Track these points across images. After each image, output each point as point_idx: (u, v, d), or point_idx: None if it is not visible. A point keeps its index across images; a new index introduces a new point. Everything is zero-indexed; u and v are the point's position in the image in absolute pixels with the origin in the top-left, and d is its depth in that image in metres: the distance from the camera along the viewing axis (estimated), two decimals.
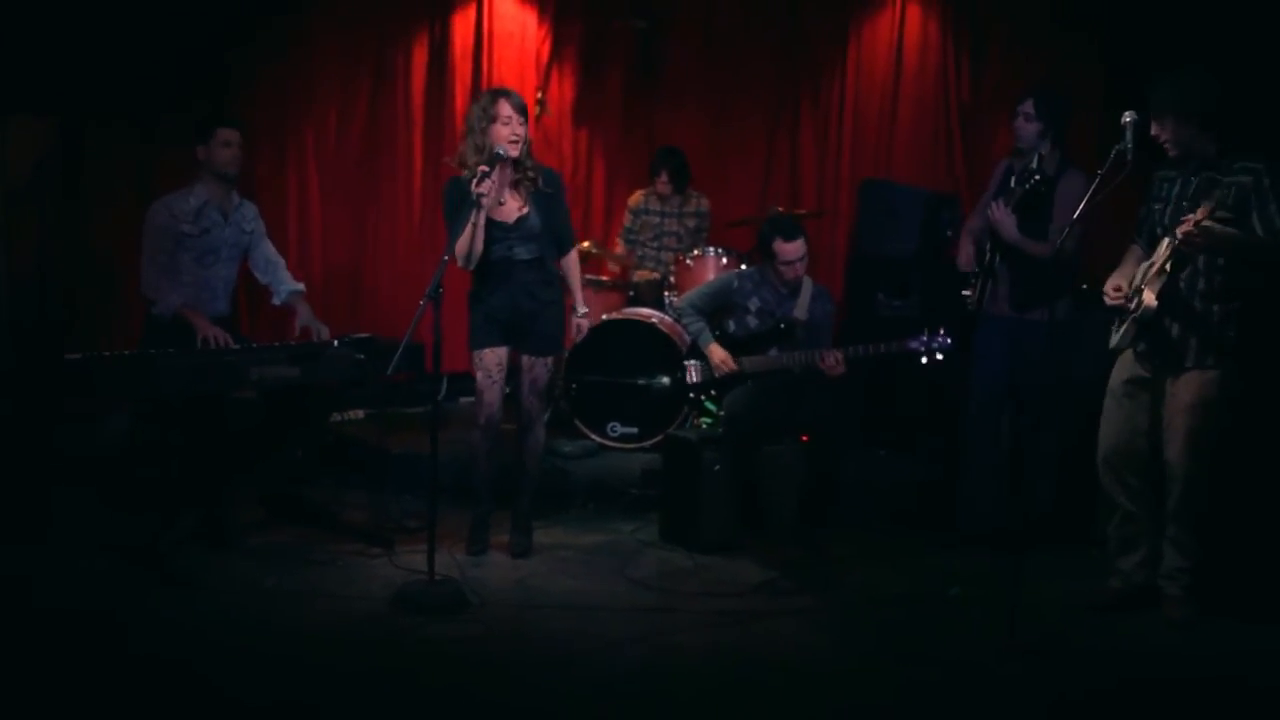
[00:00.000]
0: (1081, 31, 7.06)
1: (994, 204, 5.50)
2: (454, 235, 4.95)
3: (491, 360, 5.25)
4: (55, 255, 6.54)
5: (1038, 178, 5.33)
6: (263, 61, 7.18)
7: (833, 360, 5.43)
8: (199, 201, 5.50)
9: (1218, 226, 4.35)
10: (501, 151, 4.95)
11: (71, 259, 6.62)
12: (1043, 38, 7.27)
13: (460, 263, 5.04)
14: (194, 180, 5.54)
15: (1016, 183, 5.44)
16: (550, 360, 5.46)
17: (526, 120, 5.09)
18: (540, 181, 5.18)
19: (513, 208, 5.13)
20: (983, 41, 7.55)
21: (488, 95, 5.14)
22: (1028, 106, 5.52)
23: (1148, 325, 4.64)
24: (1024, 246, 5.39)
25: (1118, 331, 4.77)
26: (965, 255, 5.72)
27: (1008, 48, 7.44)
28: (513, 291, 5.20)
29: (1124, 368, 4.81)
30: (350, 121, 7.58)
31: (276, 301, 5.83)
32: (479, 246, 5.03)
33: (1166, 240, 4.56)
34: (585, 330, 5.52)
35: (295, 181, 7.41)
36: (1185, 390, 4.62)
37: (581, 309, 5.46)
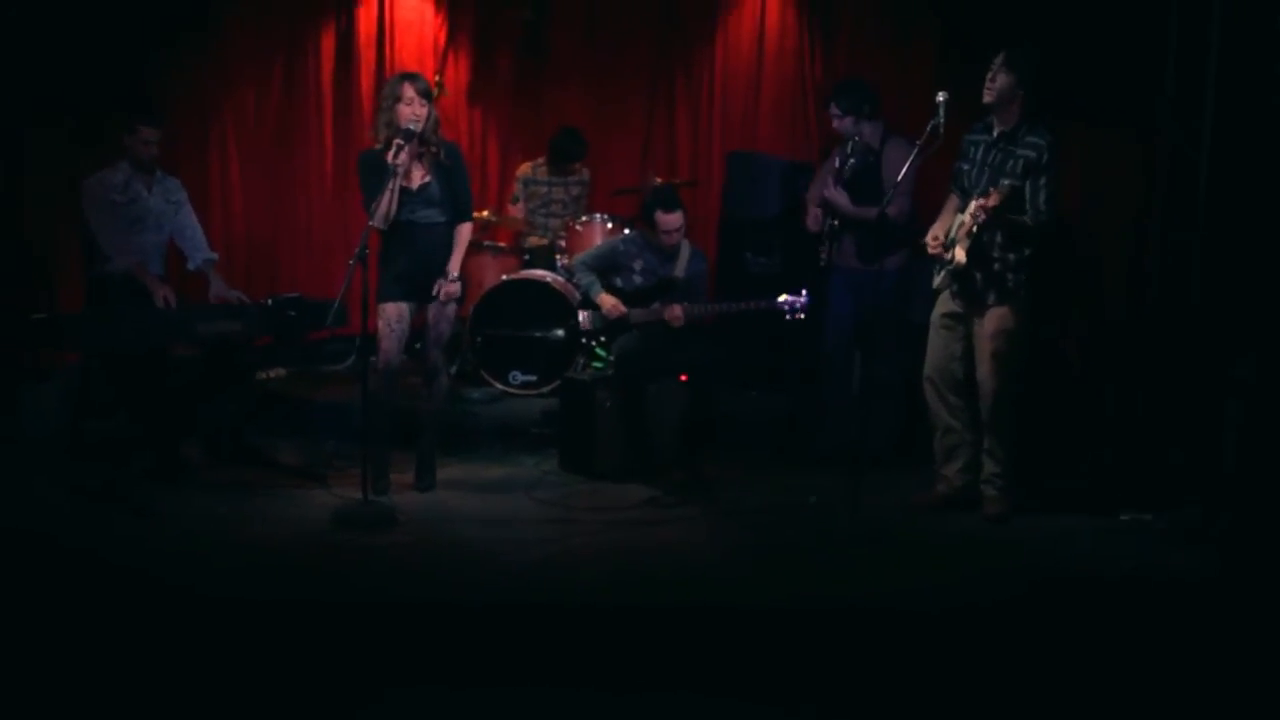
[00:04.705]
0: (915, 18, 7.53)
1: (828, 185, 6.25)
2: (370, 199, 5.48)
3: (392, 312, 5.66)
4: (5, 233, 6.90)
5: (861, 156, 6.11)
6: (186, 53, 7.52)
7: (675, 314, 6.10)
8: (124, 176, 6.06)
9: (1001, 214, 5.21)
10: (413, 127, 5.47)
11: (13, 236, 6.94)
12: (883, 25, 7.74)
13: (377, 222, 5.44)
14: (119, 159, 6.09)
15: (842, 164, 6.23)
16: (452, 314, 5.84)
17: (430, 101, 5.58)
18: (442, 154, 5.68)
19: (417, 176, 5.59)
20: (832, 27, 8.03)
21: (394, 79, 5.68)
22: (833, 109, 6.28)
23: (959, 274, 5.48)
24: (858, 215, 6.14)
25: (937, 276, 5.60)
26: (813, 218, 6.41)
27: (854, 33, 7.90)
28: (415, 254, 5.63)
29: (942, 303, 5.61)
30: (266, 105, 7.97)
31: (190, 266, 6.28)
32: (394, 208, 5.51)
33: (971, 205, 5.36)
34: (449, 293, 5.70)
35: (217, 160, 7.81)
36: (989, 322, 5.45)
37: (454, 274, 5.69)
